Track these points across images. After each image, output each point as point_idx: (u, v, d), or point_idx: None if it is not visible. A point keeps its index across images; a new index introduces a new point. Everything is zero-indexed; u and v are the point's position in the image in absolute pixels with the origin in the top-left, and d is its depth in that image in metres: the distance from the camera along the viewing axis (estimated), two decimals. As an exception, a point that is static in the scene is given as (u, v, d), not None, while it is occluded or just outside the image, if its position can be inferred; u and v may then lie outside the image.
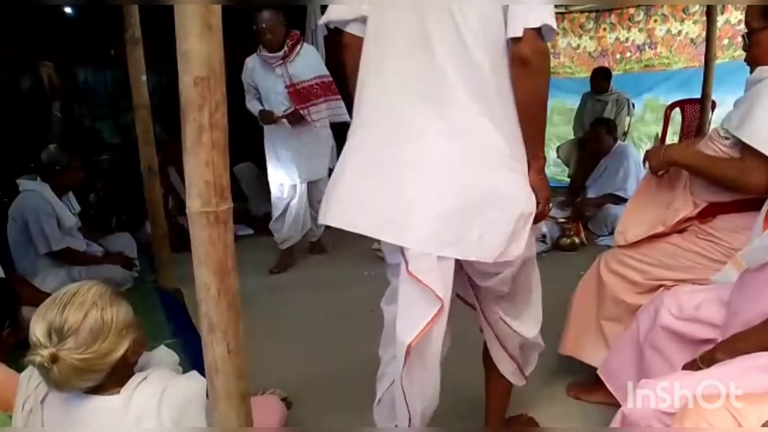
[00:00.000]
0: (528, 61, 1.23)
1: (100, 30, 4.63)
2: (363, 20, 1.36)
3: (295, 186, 3.57)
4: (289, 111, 3.35)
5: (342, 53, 1.43)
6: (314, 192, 3.63)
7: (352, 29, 1.39)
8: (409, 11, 1.27)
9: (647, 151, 1.88)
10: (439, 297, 1.27)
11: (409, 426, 1.42)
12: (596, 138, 4.13)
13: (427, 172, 1.25)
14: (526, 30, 1.21)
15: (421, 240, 1.24)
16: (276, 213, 3.63)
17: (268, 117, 3.43)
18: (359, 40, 1.37)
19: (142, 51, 3.01)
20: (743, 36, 1.68)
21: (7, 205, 3.10)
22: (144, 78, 3.05)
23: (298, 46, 3.34)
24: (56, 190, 3.06)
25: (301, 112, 3.33)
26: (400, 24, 1.28)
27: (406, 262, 1.27)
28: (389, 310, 1.46)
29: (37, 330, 1.07)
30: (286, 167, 3.53)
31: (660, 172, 1.82)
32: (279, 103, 3.40)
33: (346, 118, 3.53)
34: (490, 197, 1.26)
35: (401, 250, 1.28)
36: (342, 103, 3.52)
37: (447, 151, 1.26)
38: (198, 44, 0.93)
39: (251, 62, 3.43)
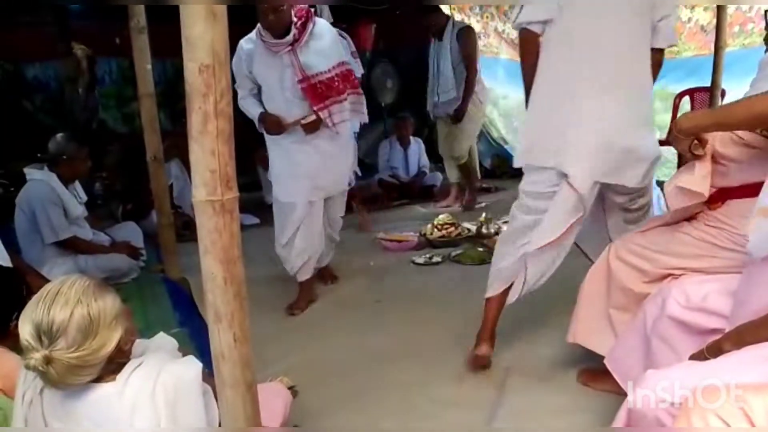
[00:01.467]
0: (660, 64, 2.03)
1: (105, 19, 4.63)
2: (545, 22, 1.95)
3: (311, 203, 2.74)
4: (308, 119, 2.61)
5: (521, 45, 2.07)
6: (332, 208, 2.95)
7: (534, 27, 1.98)
8: (586, 20, 1.89)
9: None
10: (586, 207, 1.97)
11: (522, 290, 2.11)
12: None
13: (592, 126, 1.90)
14: (667, 45, 2.00)
15: (586, 171, 1.92)
16: (284, 238, 2.78)
17: (275, 124, 2.64)
18: (535, 36, 1.99)
19: (147, 40, 3.00)
20: (766, 12, 1.67)
21: (15, 195, 3.12)
22: (149, 67, 3.04)
23: (310, 25, 2.57)
24: (63, 179, 3.07)
25: (320, 114, 2.60)
26: (579, 28, 1.91)
27: (571, 185, 1.92)
28: (524, 218, 2.07)
29: (26, 332, 1.07)
30: (298, 182, 2.71)
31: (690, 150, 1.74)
32: (286, 100, 2.63)
33: (366, 118, 2.91)
34: (634, 145, 1.93)
35: (566, 177, 1.92)
36: (364, 99, 2.85)
37: (606, 114, 1.89)
38: (203, 31, 0.92)
39: (248, 46, 2.64)
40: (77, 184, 3.25)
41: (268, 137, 2.78)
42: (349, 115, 2.73)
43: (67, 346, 1.06)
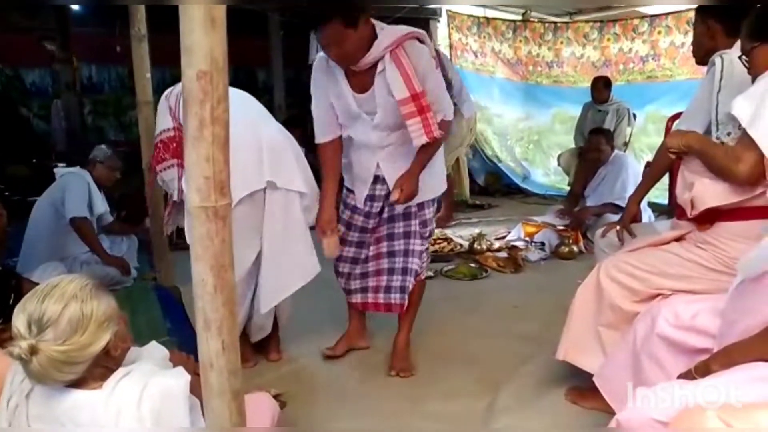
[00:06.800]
0: None
1: (105, 26, 4.66)
2: None
3: None
4: None
5: None
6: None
7: None
8: None
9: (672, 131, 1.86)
10: None
11: None
12: (595, 147, 4.15)
13: None
14: None
15: None
16: None
17: None
18: None
19: (147, 48, 3.02)
20: (740, 59, 1.70)
21: (9, 199, 3.15)
22: (148, 75, 3.06)
23: None
24: (95, 181, 3.23)
25: None
26: None
27: None
28: None
29: (18, 322, 1.07)
30: None
31: (672, 154, 1.79)
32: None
33: None
34: None
35: None
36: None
37: None
38: (201, 38, 0.93)
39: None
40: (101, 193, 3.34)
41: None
42: None
43: (55, 338, 1.05)
